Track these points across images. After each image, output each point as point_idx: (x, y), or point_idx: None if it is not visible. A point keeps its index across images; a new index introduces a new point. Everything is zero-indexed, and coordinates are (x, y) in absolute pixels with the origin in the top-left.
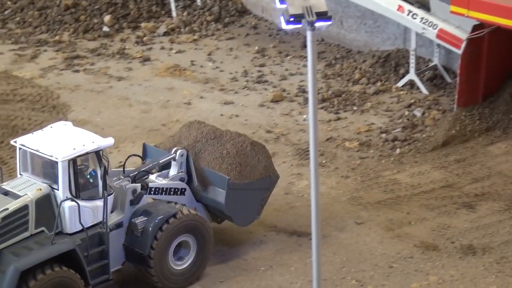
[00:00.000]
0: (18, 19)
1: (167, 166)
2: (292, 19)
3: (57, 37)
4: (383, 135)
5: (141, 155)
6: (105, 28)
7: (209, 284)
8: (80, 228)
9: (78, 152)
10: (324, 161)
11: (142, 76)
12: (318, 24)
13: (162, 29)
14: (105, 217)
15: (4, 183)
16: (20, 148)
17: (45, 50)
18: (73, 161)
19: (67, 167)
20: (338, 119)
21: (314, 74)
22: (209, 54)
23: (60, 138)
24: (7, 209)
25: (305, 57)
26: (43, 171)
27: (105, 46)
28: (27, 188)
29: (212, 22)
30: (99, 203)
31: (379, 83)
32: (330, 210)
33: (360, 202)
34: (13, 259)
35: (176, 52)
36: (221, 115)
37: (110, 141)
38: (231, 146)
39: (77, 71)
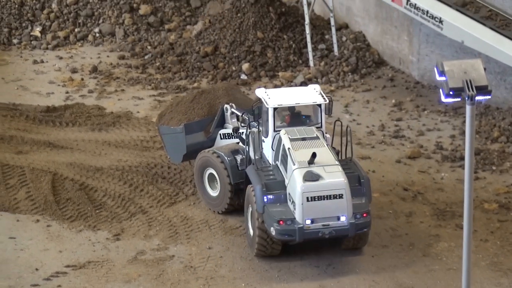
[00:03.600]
0: (158, 64)
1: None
2: (451, 93)
3: (195, 84)
4: None
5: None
6: (243, 76)
7: None
8: None
9: (322, 95)
10: (462, 223)
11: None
12: (478, 98)
13: (299, 78)
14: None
15: (288, 135)
16: (275, 109)
17: None
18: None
19: (324, 107)
20: (477, 178)
21: (472, 150)
22: (345, 106)
23: (292, 92)
24: (334, 148)
25: (443, 112)
26: (296, 119)
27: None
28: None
29: (349, 73)
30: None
31: None
32: None
33: (500, 268)
34: None
35: None
36: None
37: (317, 86)
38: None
39: None
